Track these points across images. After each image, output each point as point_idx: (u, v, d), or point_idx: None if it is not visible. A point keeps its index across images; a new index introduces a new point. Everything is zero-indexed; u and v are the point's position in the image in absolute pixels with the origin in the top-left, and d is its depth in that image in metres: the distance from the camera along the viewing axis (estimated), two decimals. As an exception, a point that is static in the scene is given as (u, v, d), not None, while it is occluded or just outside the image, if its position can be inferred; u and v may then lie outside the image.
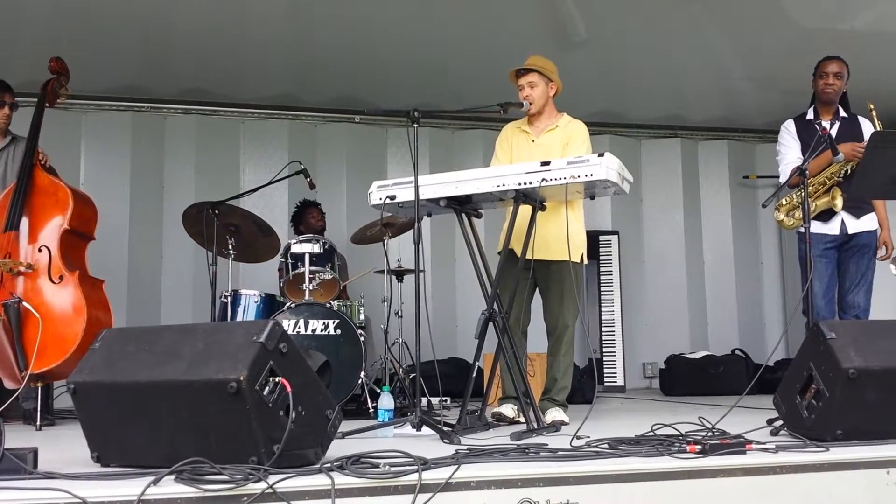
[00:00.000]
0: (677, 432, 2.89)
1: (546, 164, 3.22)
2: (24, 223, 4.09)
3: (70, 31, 5.19)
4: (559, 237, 3.75)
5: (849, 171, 4.14)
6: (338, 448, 2.47)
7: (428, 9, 5.33)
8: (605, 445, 2.66)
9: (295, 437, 2.24)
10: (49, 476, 2.17)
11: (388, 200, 3.44)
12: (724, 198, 7.32)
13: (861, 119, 4.29)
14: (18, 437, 3.50)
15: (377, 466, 2.22)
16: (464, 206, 3.51)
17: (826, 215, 4.24)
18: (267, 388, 2.21)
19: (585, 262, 4.01)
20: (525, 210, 3.47)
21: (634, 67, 6.16)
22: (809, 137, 4.23)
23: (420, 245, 3.24)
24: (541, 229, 3.59)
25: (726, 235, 7.29)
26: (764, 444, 2.62)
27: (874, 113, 4.15)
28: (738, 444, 2.51)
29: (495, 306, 3.39)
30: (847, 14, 5.43)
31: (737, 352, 6.58)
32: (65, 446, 3.02)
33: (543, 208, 3.47)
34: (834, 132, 4.24)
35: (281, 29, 5.50)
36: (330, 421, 2.43)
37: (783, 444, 2.63)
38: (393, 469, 2.19)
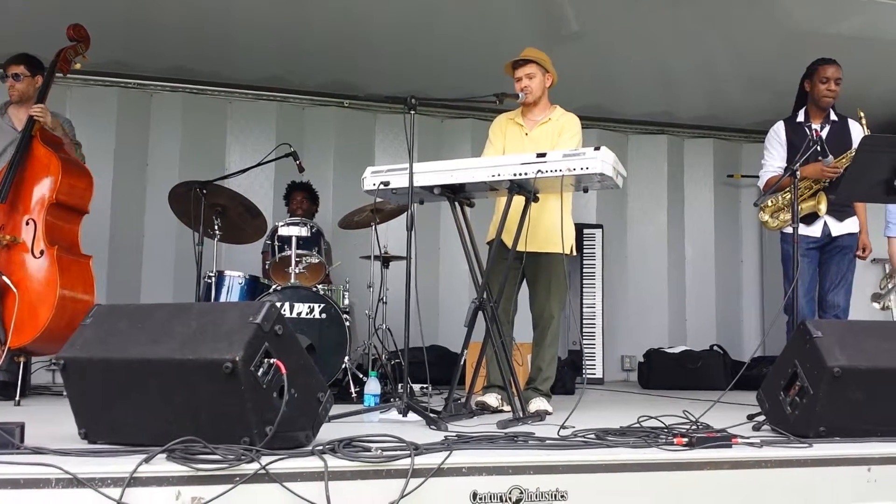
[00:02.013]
0: (663, 425, 2.93)
1: (542, 155, 3.23)
2: (17, 195, 4.05)
3: (55, 3, 5.11)
4: (550, 229, 3.77)
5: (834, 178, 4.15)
6: (326, 432, 2.47)
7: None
8: (593, 436, 2.69)
9: (287, 418, 2.24)
10: (38, 451, 2.15)
11: (381, 186, 3.43)
12: (708, 196, 7.39)
13: (851, 122, 4.33)
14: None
15: (369, 450, 2.23)
16: (457, 194, 3.51)
17: (809, 218, 4.27)
18: (262, 370, 2.20)
19: (574, 254, 4.03)
20: (517, 201, 3.47)
21: (624, 63, 6.18)
22: (800, 140, 4.31)
23: (413, 232, 3.23)
24: (532, 221, 3.60)
25: (708, 233, 7.37)
26: (748, 438, 2.66)
27: (864, 120, 4.18)
28: (724, 438, 2.55)
29: (485, 295, 3.40)
30: (835, 19, 5.48)
31: (715, 347, 6.65)
32: (48, 421, 2.99)
33: (537, 200, 3.48)
34: (824, 136, 4.29)
35: (272, 9, 5.44)
36: (321, 404, 2.42)
37: (768, 440, 2.67)
38: (385, 453, 2.19)
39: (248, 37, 5.81)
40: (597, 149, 3.16)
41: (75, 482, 1.91)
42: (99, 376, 2.33)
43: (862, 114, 4.18)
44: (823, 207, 4.17)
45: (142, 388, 2.28)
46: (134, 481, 1.93)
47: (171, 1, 5.31)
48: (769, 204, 4.36)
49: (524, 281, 4.00)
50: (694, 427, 2.91)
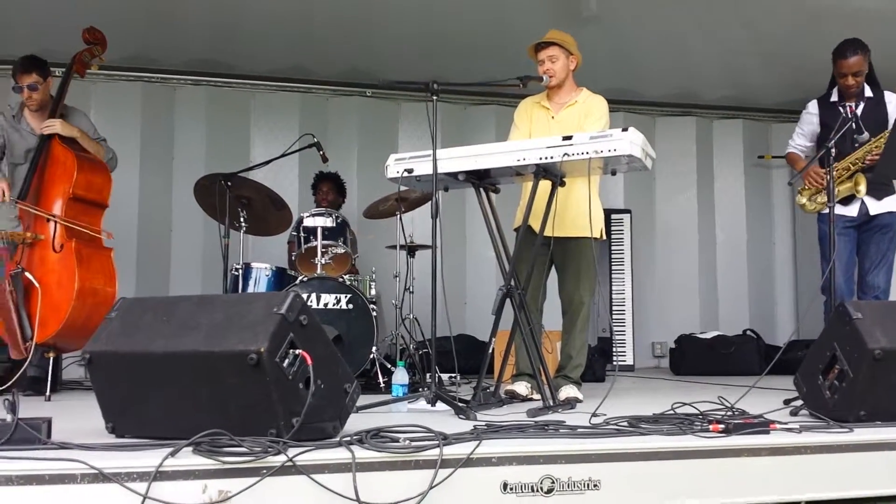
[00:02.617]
0: (697, 411, 2.86)
1: (568, 138, 3.16)
2: (37, 194, 4.08)
3: (79, 1, 5.12)
4: (578, 213, 3.71)
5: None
6: (353, 422, 2.44)
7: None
8: (625, 423, 2.63)
9: (314, 409, 2.21)
10: (64, 446, 2.15)
11: (405, 174, 3.38)
12: (738, 177, 7.25)
13: (888, 95, 4.20)
14: (28, 406, 3.49)
15: (397, 441, 2.20)
16: (482, 180, 3.45)
17: (847, 199, 4.20)
18: (287, 361, 2.17)
19: (604, 238, 3.96)
20: (543, 186, 3.41)
21: (647, 45, 6.08)
22: (833, 120, 4.21)
23: (438, 220, 3.19)
24: (559, 205, 3.53)
25: (739, 215, 7.22)
26: (786, 424, 2.59)
27: None
28: (761, 424, 2.48)
29: (513, 282, 3.34)
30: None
31: (748, 332, 6.54)
32: (76, 416, 2.99)
33: (563, 184, 3.41)
34: (858, 112, 4.18)
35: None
36: (348, 395, 2.40)
37: (807, 425, 2.60)
38: (413, 444, 2.16)
39: (269, 28, 5.78)
40: (624, 130, 3.09)
41: (101, 477, 1.90)
42: (124, 370, 2.32)
43: (884, 90, 4.13)
44: (863, 188, 4.09)
45: (168, 381, 2.27)
46: (160, 475, 1.92)
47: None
48: (806, 186, 4.29)
49: (552, 267, 3.94)
50: (730, 413, 2.85)
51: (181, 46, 6.00)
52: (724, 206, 7.26)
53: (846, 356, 2.74)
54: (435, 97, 3.25)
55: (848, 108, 4.20)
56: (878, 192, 4.13)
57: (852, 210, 4.22)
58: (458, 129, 6.55)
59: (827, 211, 4.00)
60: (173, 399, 2.26)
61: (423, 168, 3.35)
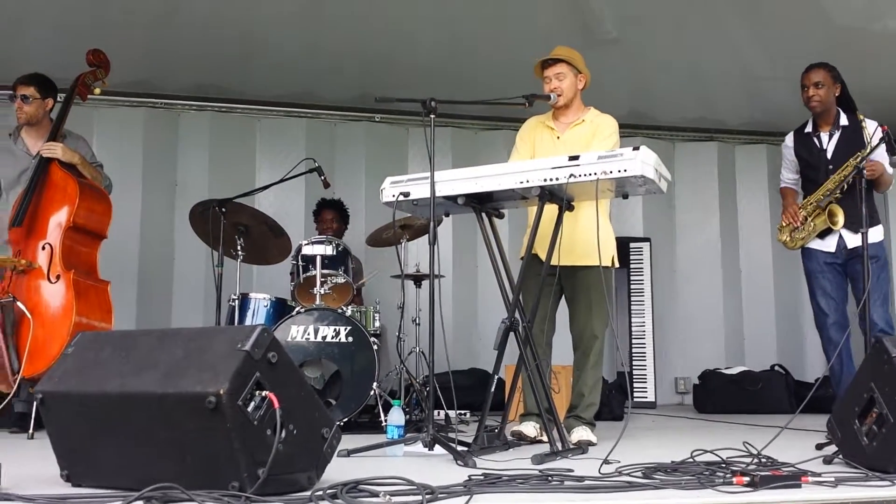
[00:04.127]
0: (720, 459, 2.58)
1: (574, 158, 2.92)
2: (33, 219, 3.91)
3: (81, 25, 5.02)
4: (587, 240, 3.46)
5: (845, 187, 3.92)
6: (339, 469, 2.21)
7: (450, 7, 5.10)
8: (639, 474, 2.36)
9: (284, 459, 1.97)
10: (5, 497, 1.93)
11: (401, 197, 3.16)
12: (763, 204, 6.95)
13: (867, 122, 4.00)
14: (10, 445, 3.30)
15: (376, 495, 1.94)
16: (484, 204, 3.21)
17: (824, 232, 4.05)
18: (252, 404, 1.94)
19: (616, 265, 3.70)
20: (550, 211, 3.17)
21: (665, 68, 5.89)
22: (808, 153, 4.16)
23: (436, 247, 2.95)
24: (567, 231, 3.29)
25: (765, 244, 6.89)
26: (819, 475, 2.30)
27: (863, 121, 3.97)
28: (792, 477, 2.19)
29: (517, 315, 3.09)
30: (881, 15, 5.11)
31: (776, 367, 6.21)
32: (46, 460, 2.77)
33: (571, 208, 3.17)
34: (833, 144, 4.07)
35: (297, 25, 5.29)
36: (327, 441, 2.15)
37: (842, 476, 2.31)
38: (394, 499, 1.90)
39: (274, 54, 5.65)
40: (636, 149, 2.84)
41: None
42: (78, 412, 2.10)
43: (862, 116, 3.98)
44: (840, 220, 3.93)
45: (123, 425, 2.04)
46: (99, 536, 1.68)
47: (196, 20, 5.19)
48: (784, 224, 4.20)
49: (562, 298, 3.68)
50: (756, 462, 2.56)
51: (185, 72, 5.88)
52: (748, 235, 6.96)
53: (885, 399, 2.46)
54: (432, 115, 3.02)
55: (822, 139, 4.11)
56: (854, 224, 3.88)
57: (830, 245, 4.06)
58: (469, 154, 6.32)
59: (809, 246, 4.11)
60: (128, 446, 2.03)
61: (420, 191, 3.13)
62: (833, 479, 2.24)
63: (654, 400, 6.33)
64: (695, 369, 6.35)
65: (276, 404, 1.93)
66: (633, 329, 6.44)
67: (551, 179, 2.92)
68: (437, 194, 3.03)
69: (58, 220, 3.90)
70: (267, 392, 1.95)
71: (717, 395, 5.95)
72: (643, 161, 2.80)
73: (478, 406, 4.79)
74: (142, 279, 5.90)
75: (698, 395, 6.14)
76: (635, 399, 6.20)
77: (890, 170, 4.04)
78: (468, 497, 1.95)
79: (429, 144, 2.98)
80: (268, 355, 1.99)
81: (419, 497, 1.91)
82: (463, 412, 4.79)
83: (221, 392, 1.86)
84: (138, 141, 6.05)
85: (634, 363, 6.34)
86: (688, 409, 6.27)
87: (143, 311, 5.77)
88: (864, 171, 3.52)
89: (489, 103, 3.43)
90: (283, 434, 1.96)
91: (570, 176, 2.86)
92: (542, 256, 3.32)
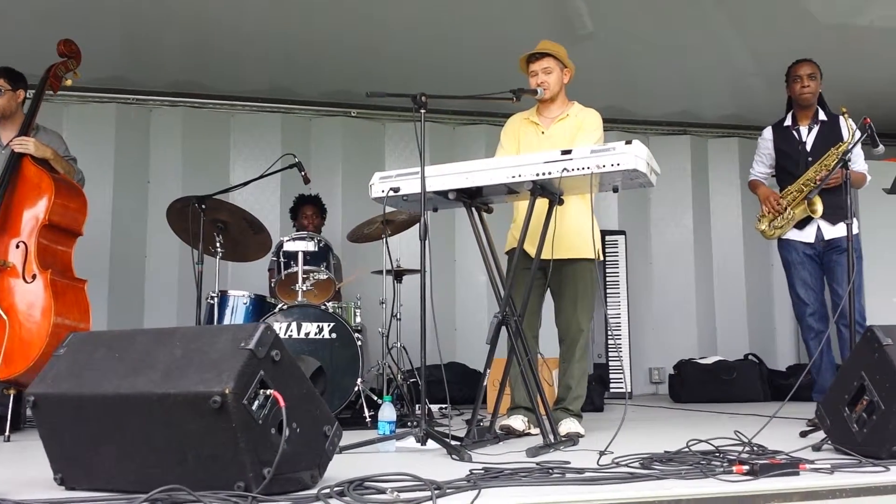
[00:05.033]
0: (713, 448, 2.61)
1: (567, 152, 2.91)
2: (5, 217, 3.79)
3: (51, 19, 4.91)
4: (574, 233, 3.48)
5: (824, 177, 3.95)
6: (335, 466, 2.17)
7: (428, 1, 5.06)
8: (637, 464, 2.37)
9: (289, 458, 1.94)
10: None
11: (391, 193, 3.13)
12: (735, 197, 7.04)
13: (842, 121, 4.07)
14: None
15: (383, 492, 1.92)
16: (474, 199, 3.20)
17: (803, 222, 4.10)
18: (256, 403, 1.91)
19: (601, 258, 3.72)
20: (539, 205, 3.16)
21: (642, 63, 5.93)
22: (787, 144, 4.21)
23: (427, 242, 2.93)
24: (555, 226, 3.29)
25: (736, 236, 7.01)
26: (813, 462, 2.33)
27: (847, 115, 4.00)
28: (790, 465, 2.22)
29: (508, 308, 3.09)
30: (863, 10, 5.20)
31: (750, 357, 6.30)
32: (32, 462, 2.71)
33: (562, 202, 3.17)
34: (812, 137, 4.14)
35: (273, 19, 5.22)
36: (328, 438, 2.13)
37: (836, 463, 2.34)
38: (402, 496, 1.89)
39: (249, 48, 5.57)
40: (628, 143, 2.85)
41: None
42: (72, 415, 2.05)
43: (844, 109, 4.01)
44: (819, 208, 3.96)
45: (120, 427, 1.99)
46: (105, 541, 1.64)
47: (170, 14, 5.09)
48: (764, 213, 4.22)
49: (547, 292, 3.69)
50: (749, 451, 2.59)
51: (158, 67, 5.79)
52: (720, 227, 7.07)
53: (876, 386, 2.50)
54: (422, 110, 3.00)
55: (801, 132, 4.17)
56: (832, 216, 3.96)
57: (809, 235, 4.11)
58: (446, 149, 6.34)
59: (787, 236, 4.13)
60: (127, 448, 1.99)
61: (410, 186, 3.10)
62: (829, 466, 2.28)
63: (630, 390, 6.40)
64: (668, 360, 6.44)
65: (282, 403, 1.90)
66: (609, 320, 6.49)
67: (544, 174, 2.91)
68: (428, 189, 3.01)
69: (32, 217, 3.79)
70: (272, 391, 1.92)
71: (693, 384, 6.02)
72: (636, 155, 2.81)
73: (459, 400, 4.80)
74: (113, 278, 5.80)
75: (674, 384, 6.21)
76: (611, 390, 6.25)
77: (864, 166, 4.14)
78: (476, 492, 1.94)
79: (419, 138, 2.95)
80: (271, 353, 1.96)
81: (427, 493, 1.90)
82: (444, 406, 4.79)
83: (227, 391, 1.82)
84: (110, 137, 5.94)
85: (610, 354, 6.39)
86: (663, 398, 6.34)
87: (115, 310, 5.68)
88: (848, 162, 3.55)
89: (477, 98, 3.40)
90: (287, 433, 1.93)
91: (564, 170, 2.86)
92: (530, 250, 3.32)
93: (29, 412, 2.15)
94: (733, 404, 5.43)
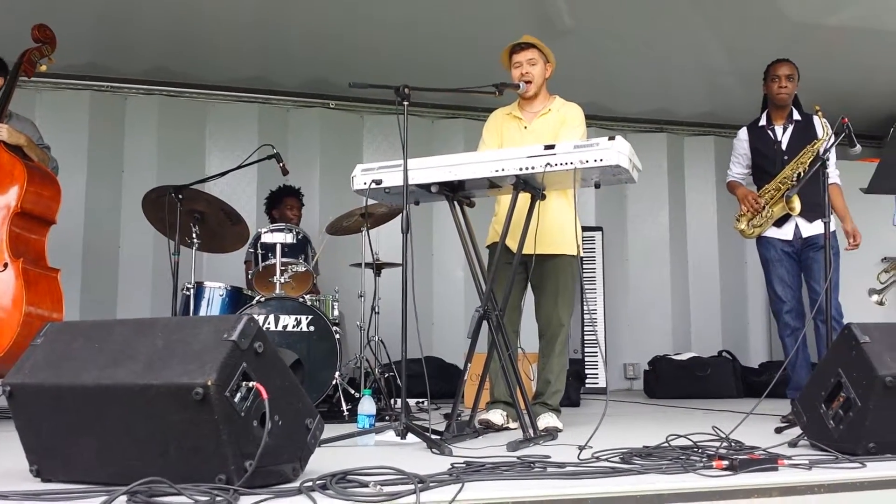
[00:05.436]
0: (692, 443, 2.63)
1: (550, 147, 2.92)
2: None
3: (23, 5, 4.80)
4: (555, 229, 3.48)
5: (801, 174, 4.01)
6: (316, 459, 2.15)
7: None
8: (617, 459, 2.38)
9: (271, 450, 1.93)
10: (-25, 495, 1.84)
11: (373, 185, 3.11)
12: (710, 195, 7.10)
13: (816, 120, 4.12)
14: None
15: (366, 486, 1.91)
16: (456, 192, 3.19)
17: (781, 220, 4.15)
18: (239, 395, 1.89)
19: (581, 254, 3.73)
20: (522, 200, 3.16)
21: (620, 60, 5.95)
22: (763, 145, 4.25)
23: (409, 235, 2.92)
24: (538, 221, 3.29)
25: (711, 233, 7.07)
26: (790, 458, 2.36)
27: (821, 114, 4.06)
28: (769, 460, 2.25)
29: (489, 303, 3.08)
30: (836, 9, 5.27)
31: (724, 353, 6.36)
32: (6, 453, 2.65)
33: (544, 197, 3.17)
34: (787, 137, 4.19)
35: (252, 7, 5.17)
36: (310, 431, 2.11)
37: (815, 459, 2.37)
38: (385, 490, 1.88)
39: (227, 37, 5.51)
40: (611, 138, 2.86)
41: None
42: (50, 405, 2.01)
43: (818, 108, 4.07)
44: (797, 206, 4.00)
45: (100, 418, 1.96)
46: (85, 533, 1.62)
47: (146, 1, 5.00)
48: (743, 212, 4.26)
49: (528, 286, 3.70)
50: (727, 446, 2.62)
51: (134, 53, 5.70)
52: (696, 224, 7.11)
53: (853, 383, 2.53)
54: (406, 102, 2.98)
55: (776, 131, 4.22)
56: (810, 213, 4.00)
57: (787, 233, 4.15)
58: (425, 143, 6.29)
59: (765, 235, 4.18)
60: (106, 439, 1.95)
61: (392, 179, 3.09)
62: (807, 462, 2.30)
63: (605, 386, 6.42)
64: (643, 356, 6.49)
65: (265, 395, 1.88)
66: (585, 316, 6.51)
67: (527, 168, 2.91)
68: (410, 182, 3.00)
69: (4, 205, 3.73)
70: (254, 383, 1.90)
71: (667, 380, 6.07)
72: (619, 151, 2.82)
73: (437, 394, 4.78)
74: (86, 268, 5.72)
75: (649, 380, 6.26)
76: (587, 385, 6.28)
77: (836, 173, 4.18)
78: (459, 485, 1.94)
79: (402, 131, 2.93)
80: (254, 345, 1.94)
81: (410, 486, 1.89)
82: (421, 400, 4.78)
83: (209, 383, 1.80)
84: (83, 126, 5.84)
85: (586, 350, 6.41)
86: (637, 394, 6.38)
87: (88, 300, 5.59)
88: (826, 161, 3.58)
89: (460, 91, 3.39)
90: (270, 425, 1.91)
91: (547, 165, 2.86)
92: (512, 245, 3.32)
93: (3, 402, 2.11)
94: (707, 400, 5.48)
